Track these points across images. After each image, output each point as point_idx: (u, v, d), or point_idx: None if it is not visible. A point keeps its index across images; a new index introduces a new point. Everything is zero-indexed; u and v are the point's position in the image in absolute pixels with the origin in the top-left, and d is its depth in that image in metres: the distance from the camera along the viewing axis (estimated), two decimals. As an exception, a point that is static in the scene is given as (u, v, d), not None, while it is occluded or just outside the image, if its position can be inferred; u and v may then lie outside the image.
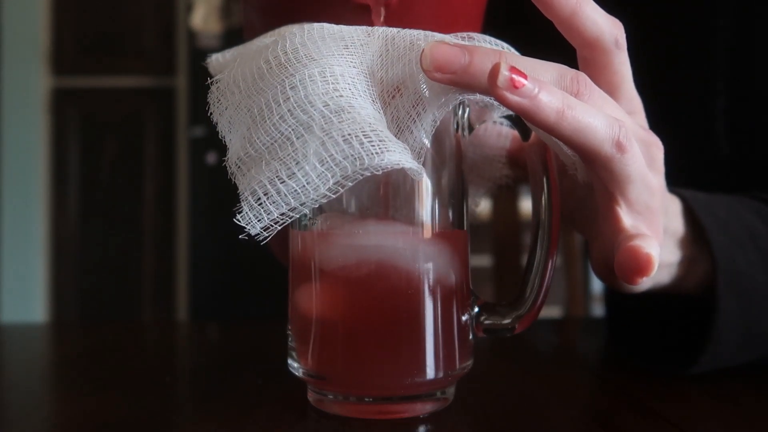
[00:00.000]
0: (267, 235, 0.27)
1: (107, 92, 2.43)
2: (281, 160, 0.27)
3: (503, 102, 0.27)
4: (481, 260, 1.05)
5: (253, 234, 0.27)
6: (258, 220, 0.27)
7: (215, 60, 0.35)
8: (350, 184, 0.26)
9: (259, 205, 0.27)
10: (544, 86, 0.27)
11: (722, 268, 0.37)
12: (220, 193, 2.25)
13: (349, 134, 0.26)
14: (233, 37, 2.20)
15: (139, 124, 2.42)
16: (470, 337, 0.34)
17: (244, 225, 0.27)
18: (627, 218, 0.32)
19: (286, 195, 0.26)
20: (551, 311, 1.41)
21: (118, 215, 2.40)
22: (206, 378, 0.41)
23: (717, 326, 0.38)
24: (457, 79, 0.28)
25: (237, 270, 2.20)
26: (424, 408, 0.32)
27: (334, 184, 0.26)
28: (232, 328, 0.57)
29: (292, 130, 0.27)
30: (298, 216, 0.27)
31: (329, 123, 0.27)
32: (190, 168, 2.26)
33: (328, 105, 0.27)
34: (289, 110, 0.27)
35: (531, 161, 0.34)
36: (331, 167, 0.26)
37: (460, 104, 0.33)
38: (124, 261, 2.39)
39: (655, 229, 0.32)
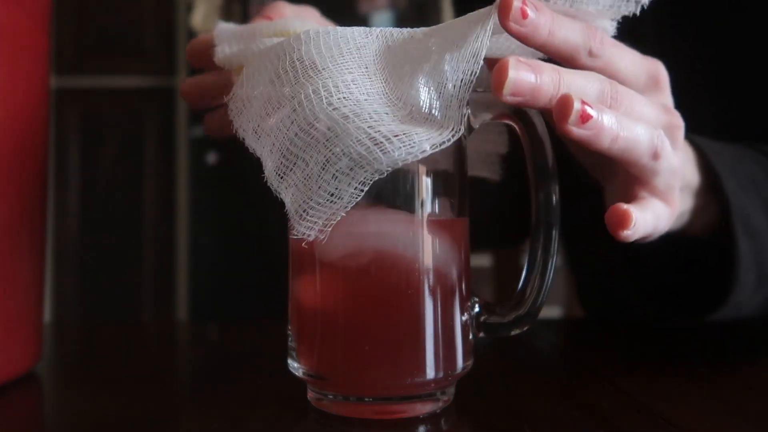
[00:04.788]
0: (324, 236, 0.30)
1: (107, 92, 2.43)
2: (309, 175, 0.29)
3: (567, 135, 0.28)
4: (481, 260, 1.05)
5: (311, 239, 0.30)
6: (309, 230, 0.29)
7: (221, 52, 0.35)
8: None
9: (305, 217, 0.29)
10: (603, 113, 0.28)
11: (736, 211, 0.40)
12: (220, 193, 2.25)
13: (374, 134, 0.27)
14: (233, 37, 2.20)
15: (139, 124, 2.42)
16: (470, 337, 0.34)
17: (301, 236, 0.30)
18: (644, 194, 0.34)
19: (323, 205, 0.29)
20: (551, 311, 1.41)
21: (118, 215, 2.40)
22: (206, 378, 0.41)
23: (738, 266, 0.40)
24: (525, 102, 0.29)
25: (237, 270, 2.19)
26: (424, 408, 0.32)
27: (361, 183, 0.28)
28: (232, 328, 0.57)
29: (314, 139, 0.28)
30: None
31: (349, 127, 0.28)
32: (190, 168, 2.26)
33: (343, 112, 0.28)
34: (306, 121, 0.28)
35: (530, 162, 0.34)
36: (359, 167, 0.28)
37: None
38: (124, 261, 2.38)
39: (673, 203, 0.35)
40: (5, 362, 0.37)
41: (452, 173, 0.33)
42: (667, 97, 0.35)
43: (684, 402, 0.35)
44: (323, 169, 0.28)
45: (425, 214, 0.31)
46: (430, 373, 0.31)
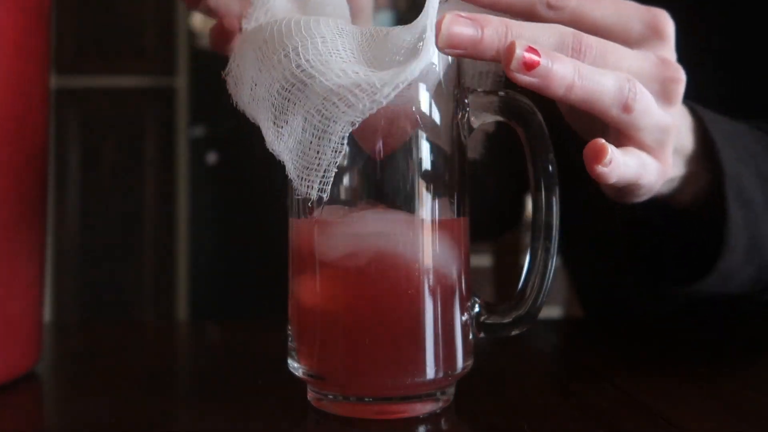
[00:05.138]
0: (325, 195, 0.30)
1: (107, 92, 2.43)
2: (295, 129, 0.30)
3: (515, 81, 0.28)
4: (481, 260, 1.05)
5: (314, 198, 0.30)
6: (309, 189, 0.30)
7: (245, 28, 0.35)
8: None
9: (304, 177, 0.30)
10: (555, 60, 0.28)
11: (730, 179, 0.39)
12: (220, 193, 2.25)
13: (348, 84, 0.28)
14: (233, 37, 2.20)
15: (139, 124, 2.42)
16: (470, 337, 0.34)
17: (303, 196, 0.30)
18: (630, 148, 0.33)
19: (314, 163, 0.30)
20: (551, 311, 1.41)
21: (118, 215, 2.40)
22: (206, 378, 0.41)
23: (728, 232, 0.40)
24: (468, 54, 0.29)
25: (237, 270, 2.19)
26: (424, 408, 0.32)
27: (340, 137, 0.29)
28: (232, 328, 0.57)
29: (290, 101, 0.30)
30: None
31: (316, 84, 0.29)
32: (190, 168, 2.26)
33: (310, 73, 0.29)
34: (282, 84, 0.30)
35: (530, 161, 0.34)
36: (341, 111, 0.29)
37: (460, 105, 0.33)
38: (124, 261, 2.38)
39: (665, 160, 0.34)
40: (5, 362, 0.37)
41: (452, 173, 0.33)
42: (668, 50, 0.34)
43: (684, 402, 0.35)
44: (303, 130, 0.29)
45: (425, 214, 0.31)
46: (430, 373, 0.31)
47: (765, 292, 0.48)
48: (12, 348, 0.38)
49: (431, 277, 0.31)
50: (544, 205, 0.33)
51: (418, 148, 0.31)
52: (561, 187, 0.33)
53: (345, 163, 0.32)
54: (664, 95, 0.33)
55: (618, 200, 0.37)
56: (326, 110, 0.29)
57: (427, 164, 0.31)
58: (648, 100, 0.31)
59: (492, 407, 0.34)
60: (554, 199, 0.33)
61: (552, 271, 0.33)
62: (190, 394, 0.39)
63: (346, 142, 0.29)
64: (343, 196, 0.32)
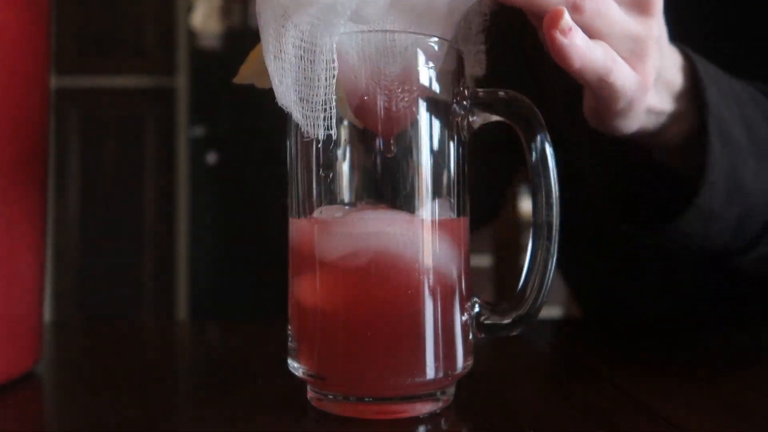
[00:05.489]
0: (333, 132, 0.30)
1: (107, 92, 2.43)
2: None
3: None
4: (481, 260, 1.05)
5: (322, 137, 0.30)
6: (316, 129, 0.30)
7: None
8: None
9: (308, 116, 0.30)
10: None
11: (712, 115, 0.40)
12: (220, 193, 2.25)
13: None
14: (233, 37, 2.20)
15: (139, 124, 2.42)
16: (470, 337, 0.34)
17: (315, 136, 0.30)
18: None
19: (312, 95, 0.30)
20: (551, 311, 1.41)
21: (118, 215, 2.40)
22: (206, 378, 0.41)
23: (708, 166, 0.40)
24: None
25: (237, 270, 2.19)
26: (424, 408, 0.32)
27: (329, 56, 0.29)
28: (232, 328, 0.57)
29: (279, 34, 0.30)
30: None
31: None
32: (190, 168, 2.26)
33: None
34: (272, 18, 0.30)
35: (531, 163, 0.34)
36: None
37: (460, 104, 0.33)
38: (124, 261, 2.38)
39: (643, 73, 0.34)
40: (5, 362, 0.37)
41: (452, 173, 0.33)
42: None
43: (684, 402, 0.35)
44: (296, 57, 0.30)
45: (425, 214, 0.31)
46: (430, 373, 0.31)
47: (748, 251, 0.48)
48: (12, 348, 0.38)
49: (431, 277, 0.31)
50: (544, 205, 0.33)
51: (418, 148, 0.31)
52: (561, 187, 0.33)
53: (345, 163, 0.32)
54: (637, 4, 0.33)
55: (602, 128, 0.38)
56: (311, 27, 0.29)
57: (427, 164, 0.31)
58: (604, 3, 0.32)
59: (492, 407, 0.34)
60: (554, 199, 0.33)
61: (552, 271, 0.33)
62: (190, 394, 0.39)
63: (336, 57, 0.29)
64: (343, 196, 0.32)
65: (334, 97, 0.30)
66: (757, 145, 0.43)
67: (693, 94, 0.40)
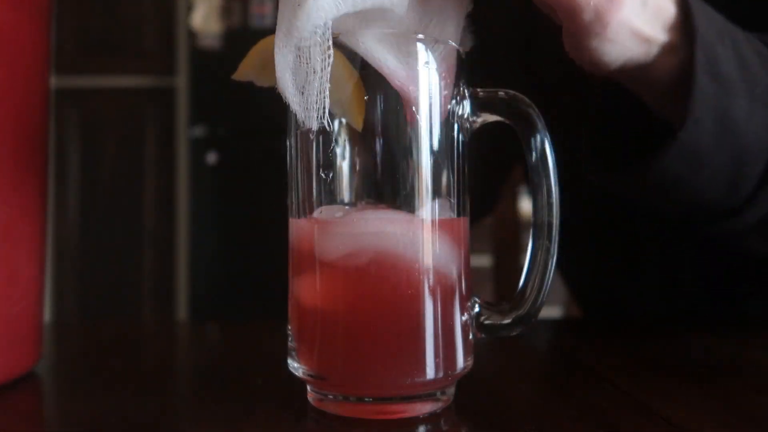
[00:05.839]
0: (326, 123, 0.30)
1: (107, 92, 2.43)
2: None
3: None
4: (481, 260, 1.05)
5: (314, 128, 0.30)
6: (309, 120, 0.30)
7: None
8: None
9: (304, 106, 0.30)
10: None
11: (702, 48, 0.38)
12: (220, 193, 2.25)
13: None
14: (233, 37, 2.20)
15: (139, 124, 2.42)
16: (470, 337, 0.34)
17: (308, 126, 0.30)
18: None
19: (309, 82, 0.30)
20: (551, 311, 1.41)
21: (118, 215, 2.40)
22: (206, 378, 0.41)
23: (693, 100, 0.38)
24: None
25: (237, 270, 2.20)
26: (423, 408, 0.32)
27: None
28: (232, 328, 0.57)
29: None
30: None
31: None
32: (190, 168, 2.26)
33: None
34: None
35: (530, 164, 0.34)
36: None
37: (460, 104, 0.33)
38: (124, 261, 2.38)
39: None
40: (5, 362, 0.37)
41: (452, 173, 0.33)
42: None
43: (684, 402, 0.35)
44: (296, 49, 0.30)
45: (425, 214, 0.31)
46: (430, 373, 0.31)
47: (744, 212, 0.44)
48: (12, 348, 0.38)
49: (431, 277, 0.31)
50: (544, 205, 0.33)
51: (417, 148, 0.31)
52: (561, 187, 0.33)
53: (345, 163, 0.32)
54: None
55: (584, 58, 0.36)
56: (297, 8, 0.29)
57: (427, 164, 0.31)
58: None
59: (492, 407, 0.34)
60: (554, 199, 0.33)
61: (552, 271, 0.33)
62: (190, 394, 0.39)
63: (330, 45, 0.29)
64: (343, 196, 0.32)
65: (327, 86, 0.30)
66: (751, 85, 0.40)
67: (684, 25, 0.38)
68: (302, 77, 0.30)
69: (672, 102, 0.41)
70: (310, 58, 0.30)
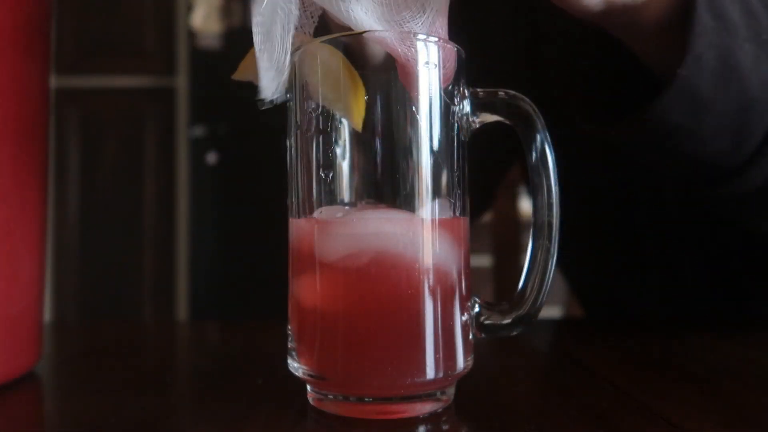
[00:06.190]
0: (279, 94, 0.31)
1: (107, 92, 2.43)
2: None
3: None
4: (481, 260, 1.05)
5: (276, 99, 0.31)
6: (269, 92, 0.31)
7: None
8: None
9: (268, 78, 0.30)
10: None
11: None
12: (220, 193, 2.25)
13: None
14: (233, 37, 2.20)
15: (139, 124, 2.42)
16: (470, 337, 0.34)
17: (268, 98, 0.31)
18: None
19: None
20: (551, 311, 1.41)
21: (118, 215, 2.40)
22: (206, 378, 0.41)
23: (693, 36, 0.36)
24: None
25: (237, 270, 2.20)
26: (423, 408, 0.32)
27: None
28: (232, 328, 0.57)
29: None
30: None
31: None
32: (190, 168, 2.27)
33: None
34: None
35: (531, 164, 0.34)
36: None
37: (460, 105, 0.33)
38: (124, 261, 2.38)
39: None
40: (5, 362, 0.37)
41: (452, 173, 0.33)
42: None
43: (684, 402, 0.35)
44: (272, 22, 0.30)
45: (425, 214, 0.31)
46: (431, 373, 0.31)
47: (748, 169, 0.41)
48: (12, 348, 0.38)
49: (431, 277, 0.31)
50: (544, 205, 0.33)
51: (418, 148, 0.31)
52: (561, 187, 0.33)
53: (345, 163, 0.32)
54: None
55: (575, 11, 0.35)
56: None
57: (427, 164, 0.31)
58: None
59: (492, 407, 0.34)
60: (554, 199, 0.33)
61: (552, 271, 0.33)
62: (190, 394, 0.39)
63: (294, 7, 0.29)
64: (343, 196, 0.32)
65: (289, 51, 0.29)
66: (756, 31, 0.38)
67: None
68: (265, 37, 0.30)
69: (669, 49, 0.38)
70: (276, 19, 0.30)
